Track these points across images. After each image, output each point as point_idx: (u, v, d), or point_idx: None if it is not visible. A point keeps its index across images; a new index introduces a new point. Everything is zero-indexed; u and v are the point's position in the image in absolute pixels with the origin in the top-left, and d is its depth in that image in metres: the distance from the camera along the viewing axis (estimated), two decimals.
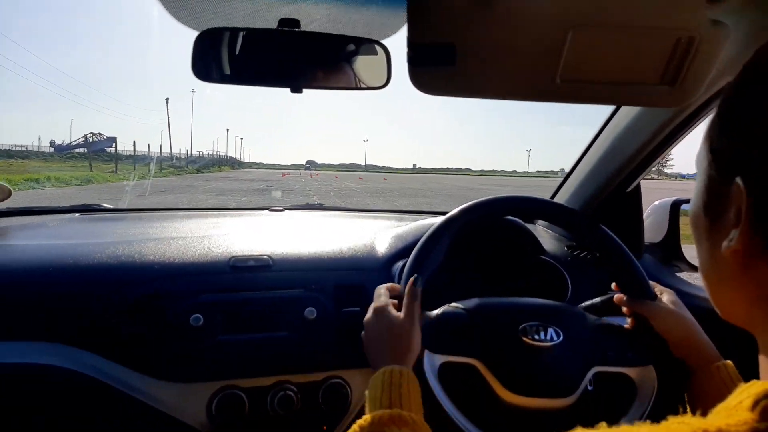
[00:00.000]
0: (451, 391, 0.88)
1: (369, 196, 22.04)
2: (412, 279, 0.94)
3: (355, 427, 0.74)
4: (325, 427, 1.03)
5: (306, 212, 1.71)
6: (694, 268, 1.36)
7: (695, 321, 0.91)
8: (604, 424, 0.41)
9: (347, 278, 1.12)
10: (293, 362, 1.03)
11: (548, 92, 0.87)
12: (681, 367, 0.89)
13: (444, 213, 1.46)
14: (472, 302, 0.97)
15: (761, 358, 0.44)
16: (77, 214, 1.54)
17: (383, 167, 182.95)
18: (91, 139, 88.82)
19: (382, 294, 0.96)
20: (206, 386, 0.99)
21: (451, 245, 1.03)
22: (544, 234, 1.46)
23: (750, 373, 0.47)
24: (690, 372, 0.87)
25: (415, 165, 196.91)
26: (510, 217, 1.30)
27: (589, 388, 0.97)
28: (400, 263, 1.14)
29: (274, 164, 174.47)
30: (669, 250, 1.37)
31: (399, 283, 1.10)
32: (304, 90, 0.91)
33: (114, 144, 73.13)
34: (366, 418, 0.74)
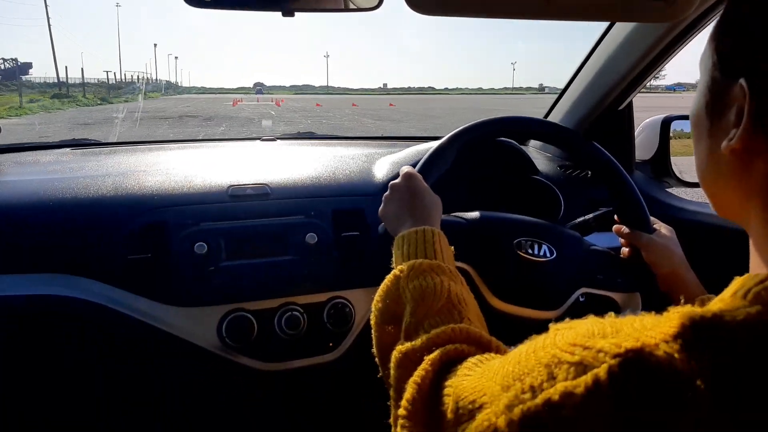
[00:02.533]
0: None
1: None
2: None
3: (389, 276, 0.70)
4: (330, 344, 1.09)
5: (298, 141, 1.71)
6: (682, 183, 1.39)
7: (684, 258, 0.93)
8: (612, 314, 0.43)
9: (345, 204, 1.15)
10: (297, 284, 1.07)
11: (540, 9, 0.86)
12: (665, 299, 0.93)
13: (435, 138, 1.47)
14: (473, 214, 1.00)
15: (751, 252, 0.47)
16: (68, 149, 1.53)
17: (346, 89, 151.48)
18: (3, 66, 68.41)
19: (408, 167, 0.94)
20: (215, 310, 1.04)
21: (451, 164, 1.05)
22: (537, 155, 1.48)
23: None
24: (673, 304, 0.90)
25: (385, 85, 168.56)
26: (503, 139, 1.31)
27: (581, 299, 1.01)
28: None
29: (218, 88, 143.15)
30: (659, 166, 1.40)
31: None
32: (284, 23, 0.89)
33: (29, 69, 62.49)
34: (401, 267, 0.70)
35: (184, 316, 1.03)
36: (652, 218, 1.00)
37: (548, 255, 0.96)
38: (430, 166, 0.99)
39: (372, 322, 0.69)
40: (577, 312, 1.00)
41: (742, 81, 0.44)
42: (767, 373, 0.34)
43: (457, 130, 1.04)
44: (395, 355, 0.60)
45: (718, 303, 0.38)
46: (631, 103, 1.36)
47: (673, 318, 0.37)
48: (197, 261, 1.03)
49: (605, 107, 1.33)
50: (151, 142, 1.61)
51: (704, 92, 0.50)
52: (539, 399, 0.37)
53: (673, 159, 1.40)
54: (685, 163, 1.38)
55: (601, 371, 0.35)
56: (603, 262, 0.99)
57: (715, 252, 1.06)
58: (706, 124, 0.50)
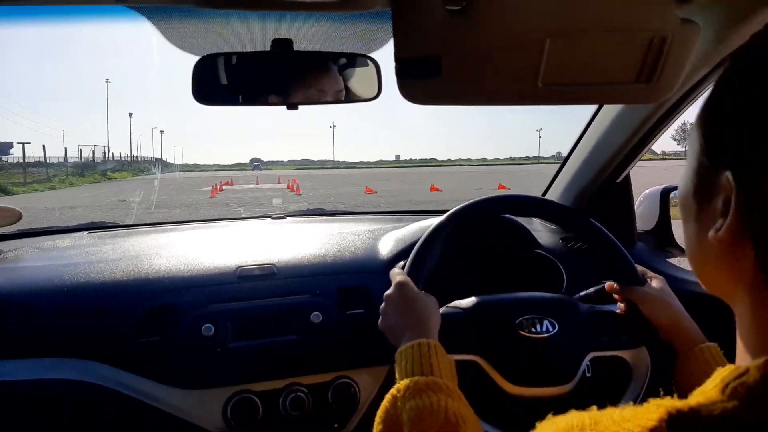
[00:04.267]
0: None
1: None
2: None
3: (388, 396, 0.72)
4: (336, 425, 1.08)
5: (307, 218, 1.76)
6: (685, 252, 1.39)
7: (681, 305, 0.95)
8: (594, 407, 0.43)
9: (350, 281, 1.17)
10: (302, 364, 1.07)
11: (531, 96, 0.91)
12: (669, 349, 0.93)
13: (443, 211, 1.50)
14: (469, 301, 1.02)
15: (738, 337, 0.46)
16: (86, 233, 1.59)
17: (347, 162, 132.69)
18: None
19: (398, 273, 0.98)
20: (221, 392, 1.04)
21: (446, 246, 1.08)
22: (540, 227, 1.50)
23: (734, 354, 0.49)
24: (677, 354, 0.91)
25: (398, 156, 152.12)
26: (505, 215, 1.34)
27: (588, 374, 1.01)
28: (401, 264, 1.18)
29: (211, 165, 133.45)
30: (661, 236, 1.41)
31: None
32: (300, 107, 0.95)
33: (9, 149, 58.59)
34: (399, 386, 0.72)
35: (190, 399, 1.04)
36: (640, 268, 1.02)
37: (550, 329, 0.97)
38: (418, 265, 1.02)
39: None
40: (591, 381, 1.00)
41: (728, 174, 0.42)
42: None
43: (453, 211, 1.08)
44: None
45: (698, 396, 0.39)
46: (628, 175, 1.39)
47: (651, 411, 0.38)
48: (205, 343, 1.04)
49: (603, 181, 1.37)
50: (166, 223, 1.67)
51: (692, 176, 0.48)
52: None
53: (675, 224, 1.41)
54: None
55: None
56: (604, 323, 1.01)
57: (722, 322, 1.06)
58: (693, 208, 0.48)
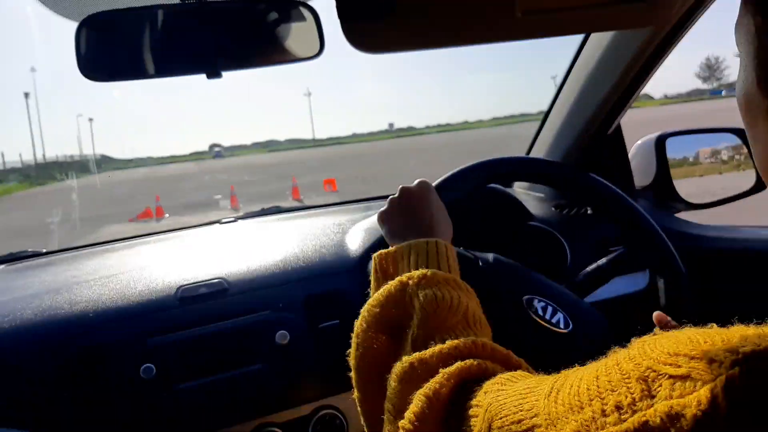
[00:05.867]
0: None
1: None
2: None
3: (394, 282, 0.61)
4: None
5: (262, 219, 1.54)
6: (692, 207, 1.25)
7: None
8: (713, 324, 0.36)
9: (318, 287, 0.97)
10: (273, 399, 0.88)
11: (508, 29, 0.75)
12: None
13: None
14: (487, 254, 0.88)
15: None
16: (1, 266, 1.33)
17: (317, 140, 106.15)
18: None
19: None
20: None
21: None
22: (526, 197, 1.33)
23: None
24: None
25: (391, 125, 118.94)
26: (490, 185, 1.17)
27: None
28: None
29: (168, 157, 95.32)
30: (662, 190, 1.25)
31: None
32: (224, 74, 0.75)
33: None
34: (410, 274, 0.61)
35: None
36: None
37: (562, 326, 0.81)
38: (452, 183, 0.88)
39: (358, 329, 0.62)
40: None
41: None
42: None
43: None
44: (400, 366, 0.53)
45: None
46: (619, 125, 1.23)
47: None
48: (144, 388, 0.83)
49: (592, 134, 1.20)
50: (96, 244, 1.41)
51: (753, 68, 0.41)
52: (631, 422, 0.31)
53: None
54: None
55: (718, 384, 0.29)
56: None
57: (744, 278, 0.92)
58: (762, 103, 0.41)
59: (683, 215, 1.27)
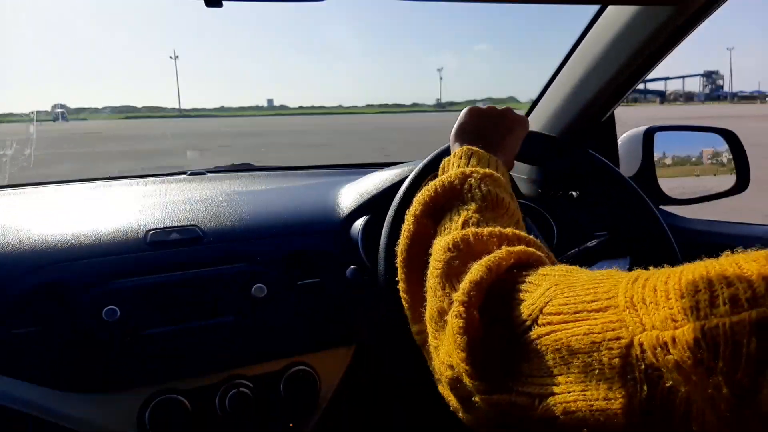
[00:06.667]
0: None
1: None
2: None
3: (456, 172, 0.60)
4: (291, 425, 0.86)
5: (234, 174, 1.47)
6: (672, 201, 1.27)
7: None
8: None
9: (301, 243, 0.94)
10: (245, 351, 0.84)
11: None
12: None
13: (392, 164, 1.28)
14: None
15: None
16: None
17: (209, 110, 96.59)
18: None
19: None
20: (134, 394, 0.80)
21: None
22: (512, 177, 1.32)
23: None
24: None
25: (270, 102, 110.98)
26: None
27: None
28: (361, 220, 0.97)
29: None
30: (645, 182, 1.26)
31: (360, 243, 0.94)
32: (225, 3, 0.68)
33: None
34: (472, 168, 0.60)
35: (93, 406, 0.79)
36: None
37: None
38: (395, 234, 0.84)
39: (410, 213, 0.61)
40: None
41: None
42: None
43: (418, 169, 0.87)
44: (451, 237, 0.52)
45: None
46: (613, 114, 1.22)
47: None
48: (107, 331, 0.78)
49: (588, 118, 1.19)
50: (52, 182, 1.32)
51: None
52: (747, 314, 0.29)
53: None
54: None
55: None
56: None
57: None
58: None
59: (668, 208, 1.29)
